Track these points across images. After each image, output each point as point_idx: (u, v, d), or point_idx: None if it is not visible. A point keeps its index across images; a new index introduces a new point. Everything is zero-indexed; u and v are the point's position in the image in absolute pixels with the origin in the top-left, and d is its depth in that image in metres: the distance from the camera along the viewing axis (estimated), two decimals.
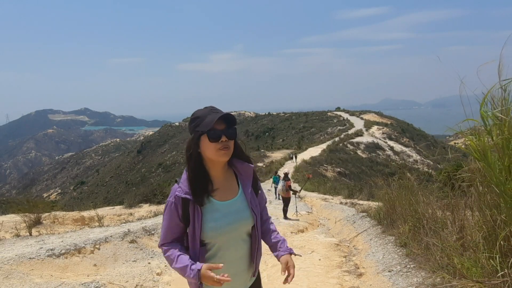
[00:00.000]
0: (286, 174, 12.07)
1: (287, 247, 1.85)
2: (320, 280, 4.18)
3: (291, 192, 11.58)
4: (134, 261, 5.32)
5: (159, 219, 8.19)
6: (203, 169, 1.69)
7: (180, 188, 1.66)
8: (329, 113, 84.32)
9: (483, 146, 2.48)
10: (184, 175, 1.70)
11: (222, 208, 1.69)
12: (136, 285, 4.42)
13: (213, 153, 1.63)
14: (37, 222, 9.34)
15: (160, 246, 1.74)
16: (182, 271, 1.61)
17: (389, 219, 5.37)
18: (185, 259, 1.63)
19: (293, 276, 1.74)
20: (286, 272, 1.76)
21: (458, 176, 3.25)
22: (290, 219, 10.59)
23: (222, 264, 1.58)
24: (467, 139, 2.67)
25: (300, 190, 13.06)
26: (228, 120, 1.65)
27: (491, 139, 2.52)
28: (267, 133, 77.58)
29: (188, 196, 1.64)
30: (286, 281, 1.75)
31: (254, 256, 1.79)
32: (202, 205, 1.65)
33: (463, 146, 2.84)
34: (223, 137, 1.63)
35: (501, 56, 2.48)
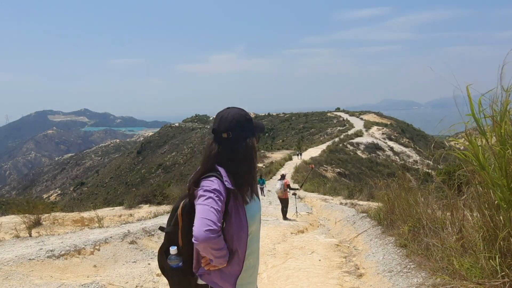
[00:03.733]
0: (282, 176, 12.25)
1: None
2: (320, 281, 4.18)
3: (291, 192, 11.59)
4: (134, 262, 5.32)
5: (159, 220, 8.18)
6: None
7: (227, 181, 1.70)
8: (328, 114, 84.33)
9: (475, 149, 2.49)
10: (223, 172, 1.72)
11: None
12: (136, 286, 4.42)
13: (255, 154, 1.83)
14: (37, 223, 9.32)
15: (213, 230, 1.55)
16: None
17: (389, 219, 5.36)
18: None
19: None
20: None
21: (456, 177, 3.25)
22: (290, 219, 10.60)
23: None
24: (456, 141, 2.68)
25: (301, 186, 13.22)
26: None
27: (485, 140, 2.52)
28: (266, 134, 77.56)
29: (236, 190, 1.72)
30: None
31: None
32: (247, 202, 1.77)
33: (456, 151, 2.84)
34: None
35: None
